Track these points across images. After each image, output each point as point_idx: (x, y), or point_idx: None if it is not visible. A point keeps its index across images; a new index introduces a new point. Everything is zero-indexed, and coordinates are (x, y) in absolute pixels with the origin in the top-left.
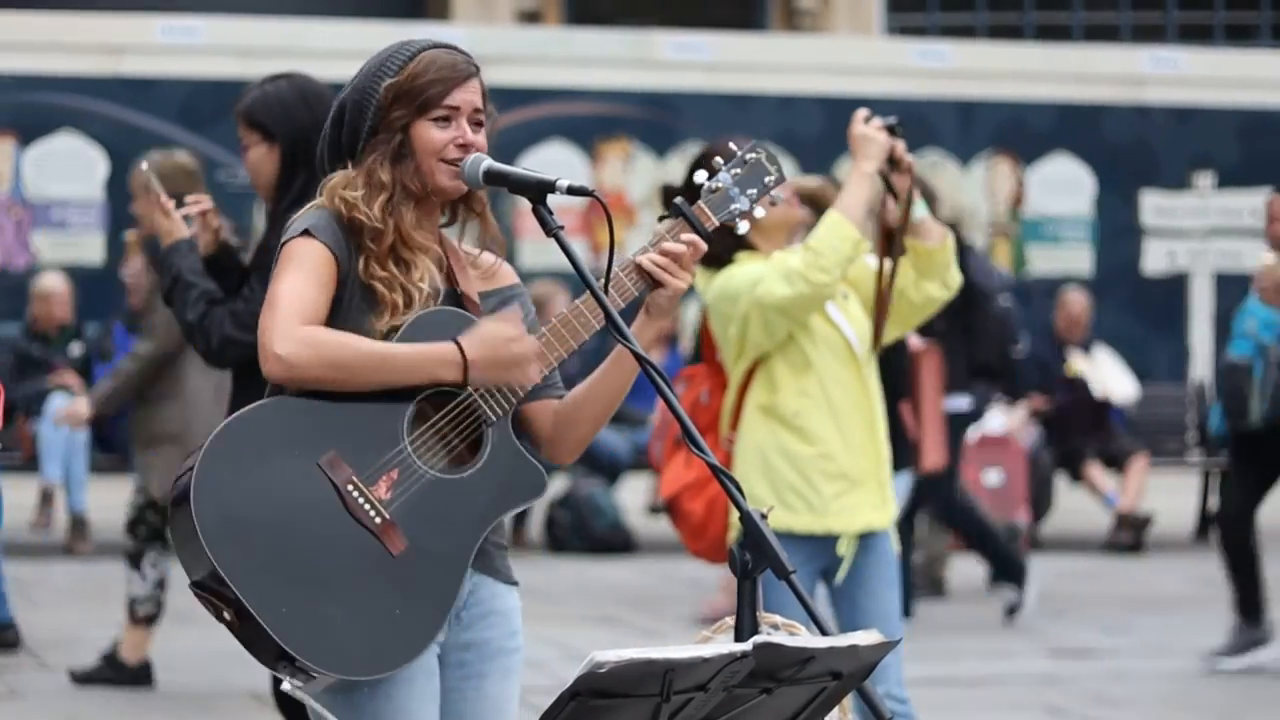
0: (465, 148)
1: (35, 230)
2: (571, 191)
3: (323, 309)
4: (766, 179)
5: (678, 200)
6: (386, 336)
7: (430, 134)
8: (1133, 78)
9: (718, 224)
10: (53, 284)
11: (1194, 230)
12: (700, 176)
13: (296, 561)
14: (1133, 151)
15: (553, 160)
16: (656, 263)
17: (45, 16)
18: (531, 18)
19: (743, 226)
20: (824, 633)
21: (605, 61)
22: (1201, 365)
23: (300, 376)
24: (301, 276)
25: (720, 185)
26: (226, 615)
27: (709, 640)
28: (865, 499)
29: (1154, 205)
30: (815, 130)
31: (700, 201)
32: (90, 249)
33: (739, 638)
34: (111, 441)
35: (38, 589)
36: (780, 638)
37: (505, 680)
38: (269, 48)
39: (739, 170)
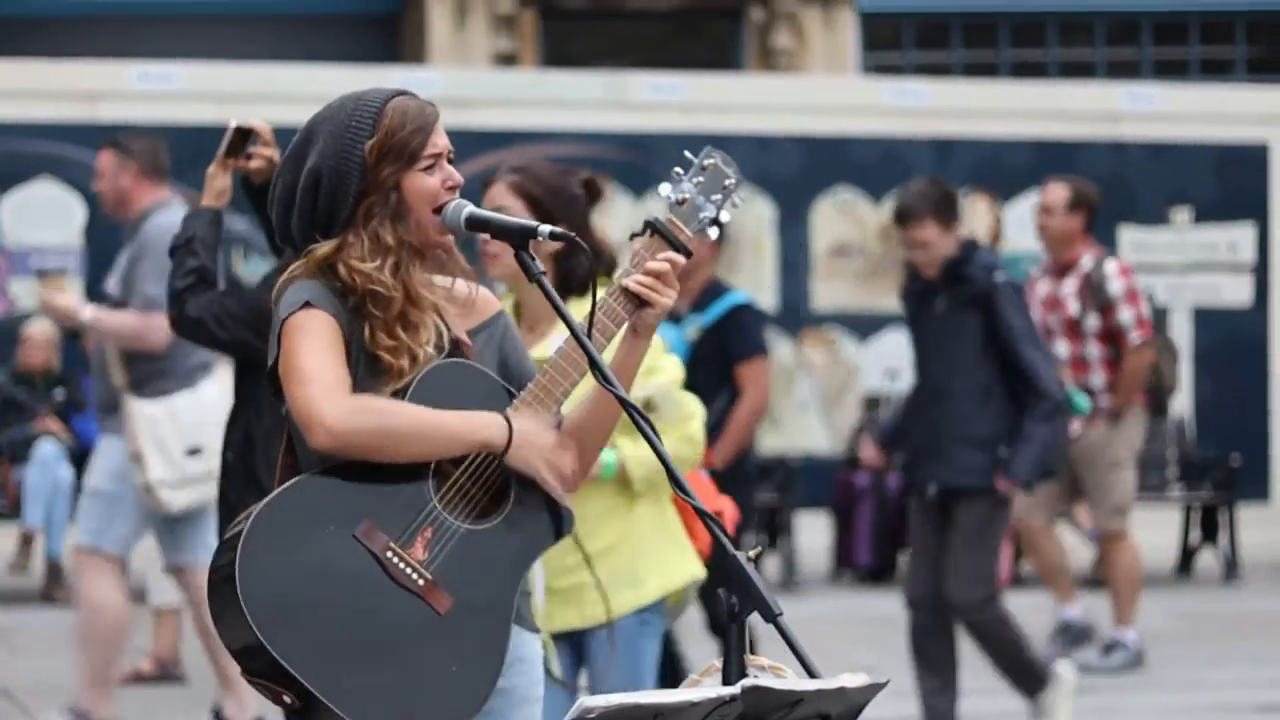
0: (454, 189)
1: (13, 277)
2: (553, 237)
3: (349, 380)
4: (726, 182)
5: (652, 217)
6: (394, 395)
7: (423, 183)
8: (1109, 114)
9: (692, 235)
10: (41, 329)
11: (1172, 265)
12: (665, 189)
13: (350, 636)
14: (1110, 187)
15: None
16: (643, 283)
17: (21, 63)
18: (507, 60)
19: (713, 233)
20: (812, 675)
21: (582, 103)
22: (1182, 400)
23: (350, 445)
24: (322, 348)
25: (686, 195)
26: (287, 699)
27: (697, 684)
28: (561, 601)
29: (1132, 240)
30: (793, 170)
31: (670, 215)
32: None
33: (727, 680)
34: None
35: (18, 635)
36: (768, 680)
37: None
38: (246, 93)
39: (700, 178)
